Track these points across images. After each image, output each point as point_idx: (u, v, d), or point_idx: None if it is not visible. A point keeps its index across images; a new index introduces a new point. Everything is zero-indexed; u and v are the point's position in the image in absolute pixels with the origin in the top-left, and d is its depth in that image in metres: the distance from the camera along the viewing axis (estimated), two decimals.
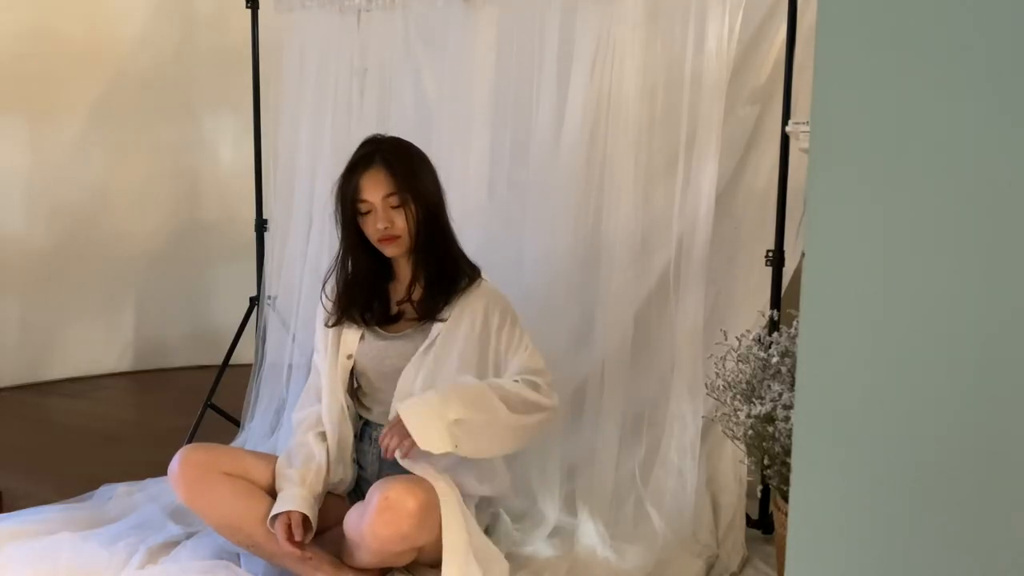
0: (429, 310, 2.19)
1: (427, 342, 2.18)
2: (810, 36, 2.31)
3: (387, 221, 2.15)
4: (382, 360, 2.23)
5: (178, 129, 4.16)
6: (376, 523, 1.99)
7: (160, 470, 2.35)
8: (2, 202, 3.88)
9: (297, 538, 2.08)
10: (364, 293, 2.25)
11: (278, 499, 2.15)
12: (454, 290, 2.19)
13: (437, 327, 2.18)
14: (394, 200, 2.15)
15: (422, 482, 2.05)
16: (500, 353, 2.19)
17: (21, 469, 2.96)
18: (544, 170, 2.63)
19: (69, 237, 4.00)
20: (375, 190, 2.15)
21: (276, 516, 2.12)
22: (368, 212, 2.17)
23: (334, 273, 2.28)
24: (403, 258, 2.23)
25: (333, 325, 2.27)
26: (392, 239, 2.17)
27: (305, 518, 2.11)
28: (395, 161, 2.16)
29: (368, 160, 2.18)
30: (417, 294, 2.23)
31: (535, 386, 2.13)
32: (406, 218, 2.15)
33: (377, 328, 2.26)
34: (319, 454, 2.21)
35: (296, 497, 2.12)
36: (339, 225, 2.23)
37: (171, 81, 4.08)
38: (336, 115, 2.92)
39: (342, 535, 2.13)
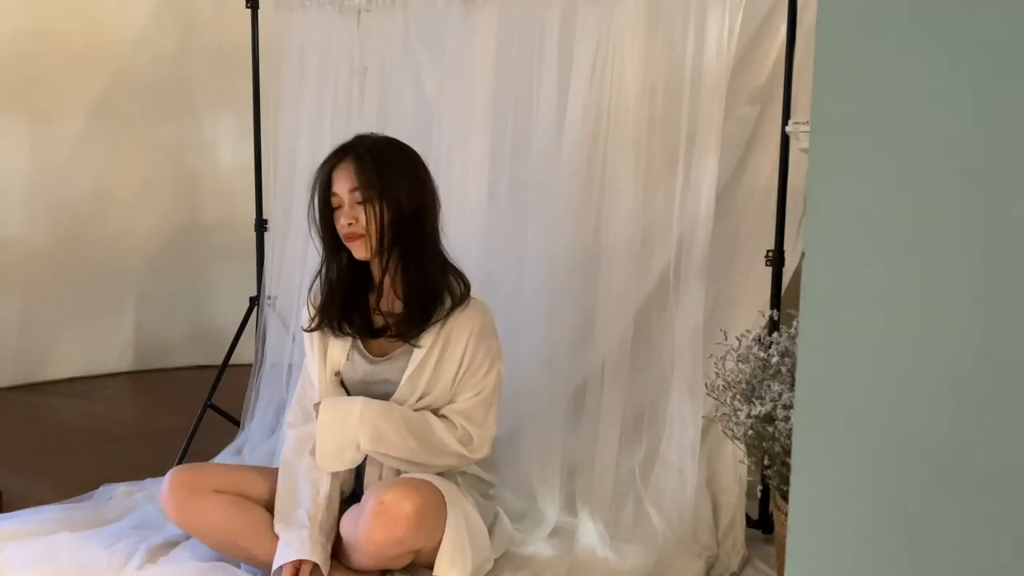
0: (405, 333, 2.13)
1: (410, 370, 2.13)
2: (810, 36, 2.31)
3: (351, 217, 2.10)
4: (368, 384, 2.18)
5: (178, 129, 4.16)
6: (371, 527, 1.98)
7: (160, 470, 2.35)
8: (2, 202, 3.88)
9: None
10: (343, 300, 2.19)
11: (285, 540, 2.08)
12: (432, 312, 2.12)
13: (419, 353, 2.12)
14: (359, 196, 2.10)
15: (420, 485, 2.05)
16: (458, 384, 2.15)
17: (21, 469, 2.97)
18: (544, 170, 2.63)
19: (69, 237, 4.00)
20: (342, 183, 2.11)
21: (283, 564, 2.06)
22: (338, 207, 2.13)
23: (318, 278, 2.23)
24: (374, 263, 2.16)
25: (310, 329, 2.21)
26: (355, 237, 2.10)
27: (316, 566, 2.07)
28: (368, 157, 2.11)
29: (344, 153, 2.14)
30: (396, 308, 2.17)
31: (467, 439, 2.13)
32: (368, 216, 2.09)
33: (362, 346, 2.20)
34: (324, 482, 2.14)
35: (304, 542, 2.06)
36: (313, 221, 2.16)
37: (171, 81, 4.08)
38: (336, 115, 2.92)
39: (339, 537, 2.13)
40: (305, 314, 2.25)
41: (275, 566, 2.07)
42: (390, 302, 2.19)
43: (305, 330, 2.23)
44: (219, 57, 3.98)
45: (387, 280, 2.16)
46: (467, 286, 2.17)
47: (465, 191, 2.65)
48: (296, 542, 2.07)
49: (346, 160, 2.12)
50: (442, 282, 2.15)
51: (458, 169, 2.65)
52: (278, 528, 2.12)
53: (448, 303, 2.13)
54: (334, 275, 2.19)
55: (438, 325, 2.13)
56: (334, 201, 2.14)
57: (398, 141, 2.20)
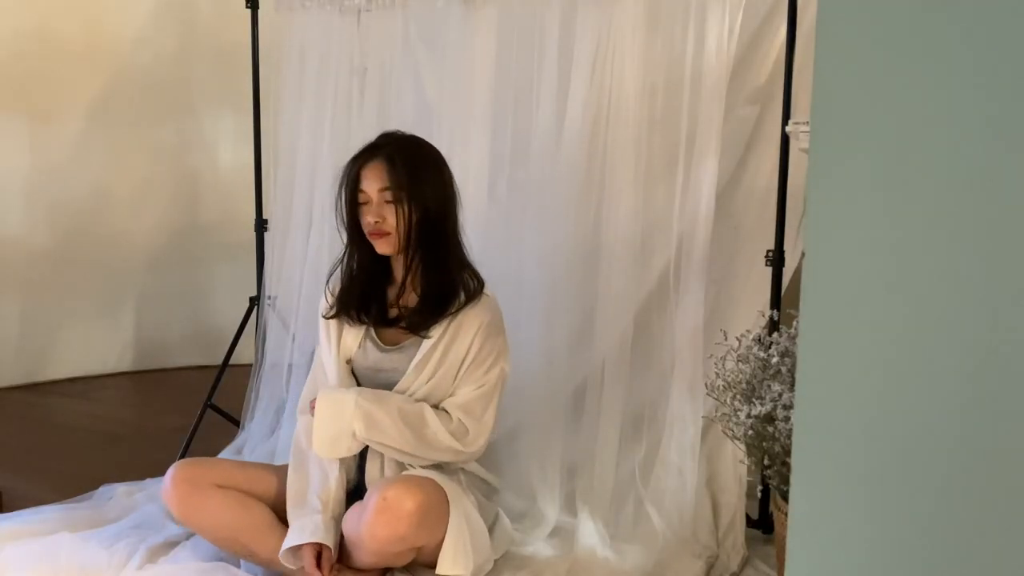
0: (417, 324, 2.17)
1: (417, 359, 2.16)
2: (810, 36, 2.31)
3: (379, 216, 2.14)
4: (377, 372, 2.22)
5: (178, 129, 4.16)
6: (374, 524, 1.99)
7: (160, 470, 2.34)
8: (2, 202, 3.88)
9: (326, 573, 2.08)
10: (362, 290, 2.24)
11: (298, 525, 2.11)
12: (447, 307, 2.16)
13: (427, 344, 2.16)
14: (388, 196, 2.14)
15: (423, 483, 2.06)
16: (461, 377, 2.17)
17: (21, 469, 2.97)
18: (544, 170, 2.63)
19: (69, 237, 4.00)
20: (372, 181, 2.15)
21: (298, 545, 2.09)
22: (365, 203, 2.17)
23: (339, 267, 2.27)
24: (397, 259, 2.21)
25: (329, 317, 2.25)
26: (381, 235, 2.15)
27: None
28: (398, 158, 2.15)
29: (375, 151, 2.18)
30: (412, 301, 2.21)
31: (462, 433, 2.13)
32: (397, 216, 2.14)
33: (375, 335, 2.23)
34: (334, 466, 2.17)
35: (318, 526, 2.09)
36: (340, 215, 2.21)
37: (171, 81, 4.08)
38: (336, 115, 2.92)
39: (341, 535, 2.13)
40: (323, 302, 2.29)
41: (285, 547, 2.09)
42: (407, 296, 2.22)
43: (325, 317, 2.26)
44: (219, 57, 3.98)
45: (408, 277, 2.20)
46: (481, 283, 2.22)
47: (465, 191, 2.64)
48: (310, 526, 2.09)
49: (376, 159, 2.16)
50: (459, 279, 2.19)
51: (458, 169, 2.63)
52: (290, 512, 2.15)
53: (462, 298, 2.17)
54: (355, 265, 2.24)
55: (448, 318, 2.16)
56: (361, 197, 2.17)
57: (424, 141, 2.24)
